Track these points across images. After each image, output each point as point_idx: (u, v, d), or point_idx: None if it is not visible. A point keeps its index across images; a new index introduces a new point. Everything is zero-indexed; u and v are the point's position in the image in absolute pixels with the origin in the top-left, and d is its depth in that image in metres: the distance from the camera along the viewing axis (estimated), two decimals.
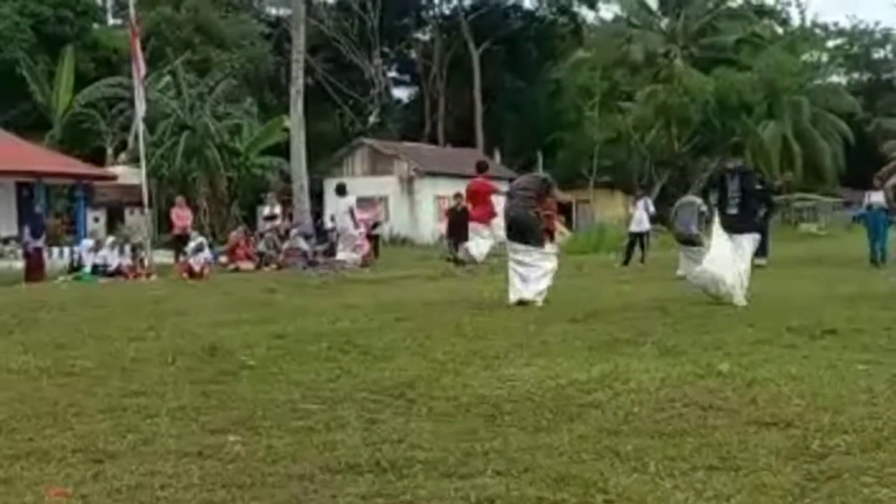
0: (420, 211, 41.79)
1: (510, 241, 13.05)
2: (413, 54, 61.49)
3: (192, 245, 23.26)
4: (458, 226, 23.28)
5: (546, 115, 54.15)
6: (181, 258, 23.88)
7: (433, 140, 53.52)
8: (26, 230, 24.02)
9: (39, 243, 23.26)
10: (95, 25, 45.52)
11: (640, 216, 23.19)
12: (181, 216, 26.25)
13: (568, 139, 52.20)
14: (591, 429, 5.47)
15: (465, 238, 23.38)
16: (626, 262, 22.10)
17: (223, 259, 25.82)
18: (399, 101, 63.21)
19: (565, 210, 43.13)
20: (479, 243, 19.66)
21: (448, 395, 6.52)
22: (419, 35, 61.53)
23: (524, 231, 12.81)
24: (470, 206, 20.48)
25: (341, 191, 22.95)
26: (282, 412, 6.10)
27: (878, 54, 70.90)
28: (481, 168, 21.36)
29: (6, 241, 27.85)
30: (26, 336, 10.24)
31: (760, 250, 20.40)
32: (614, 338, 8.97)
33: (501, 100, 55.19)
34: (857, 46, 70.48)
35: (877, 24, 71.31)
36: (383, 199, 39.19)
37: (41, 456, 5.12)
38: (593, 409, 5.97)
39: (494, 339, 9.18)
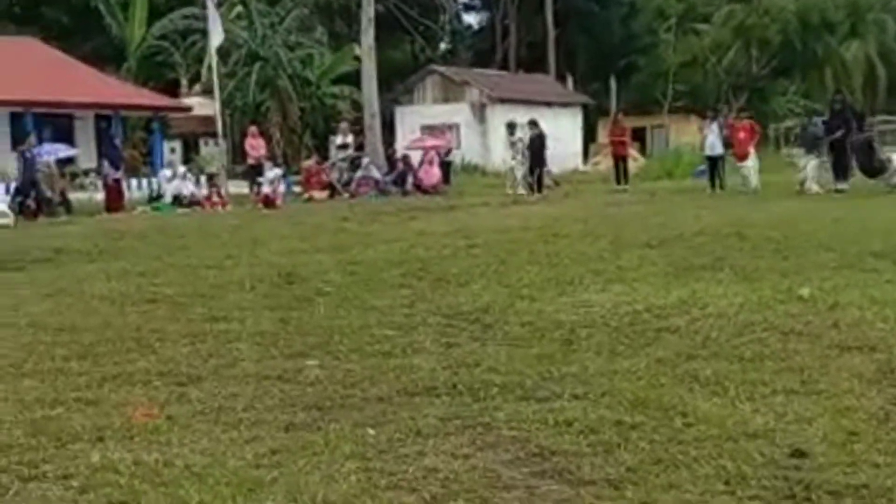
0: (492, 138, 41.48)
1: None
2: None
3: (269, 175, 23.45)
4: (536, 153, 23.15)
5: (620, 38, 53.03)
6: (256, 188, 24.12)
7: (504, 66, 52.83)
8: (105, 162, 24.42)
9: (118, 174, 23.63)
10: None
11: (713, 140, 22.69)
12: (255, 146, 26.41)
13: (642, 63, 51.18)
14: (668, 353, 5.44)
15: (544, 164, 23.38)
16: (713, 187, 21.75)
17: (297, 188, 26.01)
18: (469, 27, 62.37)
19: (640, 136, 42.66)
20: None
21: (523, 320, 6.52)
22: None
23: None
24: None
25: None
26: (358, 337, 6.17)
27: None
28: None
29: (86, 172, 28.36)
30: (109, 265, 10.47)
31: (841, 174, 20.13)
32: (691, 263, 8.87)
33: (574, 24, 54.11)
34: None
35: None
36: (454, 127, 38.97)
37: (127, 379, 5.26)
38: (671, 334, 5.93)
39: (569, 265, 9.14)
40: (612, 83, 45.09)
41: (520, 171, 23.27)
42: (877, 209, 14.54)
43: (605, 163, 32.83)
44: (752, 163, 20.87)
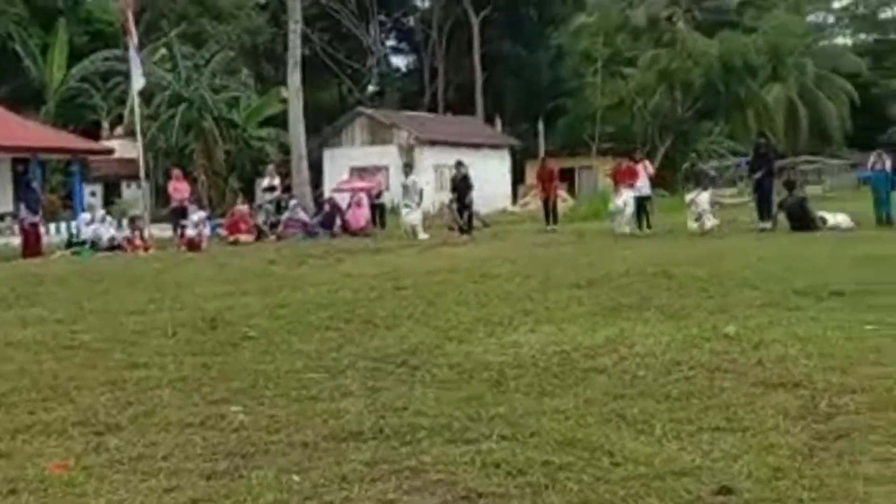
0: (421, 180, 41.58)
1: None
2: (411, 22, 61.06)
3: (193, 218, 23.16)
4: (463, 194, 23.25)
5: (547, 81, 53.80)
6: (180, 231, 23.79)
7: (433, 109, 53.20)
8: (22, 206, 23.89)
9: (36, 219, 23.09)
10: None
11: (640, 181, 23.01)
12: (179, 189, 26.08)
13: (570, 105, 51.88)
14: (596, 393, 5.43)
15: (469, 205, 23.43)
16: (640, 228, 22.01)
17: (222, 231, 25.72)
18: (398, 69, 62.82)
19: (568, 176, 43.12)
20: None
21: (451, 362, 6.48)
22: (417, 2, 61.06)
23: None
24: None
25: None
26: (284, 382, 6.06)
27: (885, 14, 70.22)
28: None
29: (2, 217, 27.75)
30: (25, 311, 10.18)
31: (766, 214, 20.55)
32: (618, 303, 8.93)
33: (502, 67, 54.79)
34: (864, 6, 69.88)
35: None
36: (383, 169, 39.00)
37: (42, 429, 5.09)
38: (598, 374, 5.93)
39: (497, 305, 9.14)
40: (540, 125, 45.58)
41: (414, 216, 22.94)
42: (800, 248, 14.82)
43: (533, 203, 33.13)
44: (620, 202, 21.19)
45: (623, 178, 21.61)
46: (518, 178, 47.12)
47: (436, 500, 3.86)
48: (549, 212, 25.00)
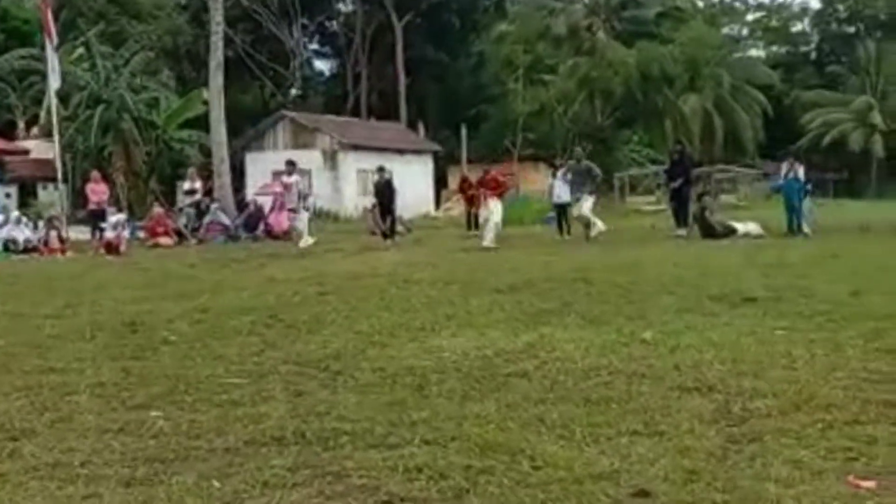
0: (343, 185, 41.51)
1: None
2: (335, 26, 60.89)
3: (112, 221, 22.78)
4: (386, 199, 23.23)
5: (470, 88, 54.14)
6: (98, 233, 23.38)
7: (356, 113, 53.13)
8: None
9: None
10: None
11: (561, 188, 23.30)
12: (97, 191, 25.62)
13: (492, 112, 52.28)
14: (517, 397, 5.49)
15: (392, 211, 23.38)
16: (561, 234, 22.25)
17: (142, 234, 25.35)
18: (321, 73, 62.62)
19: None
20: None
21: (374, 366, 6.49)
22: (341, 6, 60.90)
23: None
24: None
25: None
26: (205, 387, 6.01)
27: (796, 28, 72.29)
28: None
29: None
30: None
31: (682, 221, 20.98)
32: (539, 308, 9.03)
33: (425, 73, 54.99)
34: (776, 20, 71.77)
35: None
36: (306, 173, 38.81)
37: None
38: (520, 378, 6.00)
39: (420, 310, 9.16)
40: (463, 131, 45.83)
41: (301, 219, 21.95)
42: (714, 255, 15.15)
43: (456, 209, 33.28)
44: (486, 212, 20.21)
45: (489, 188, 20.63)
46: (441, 183, 47.28)
47: None
48: (472, 218, 25.21)
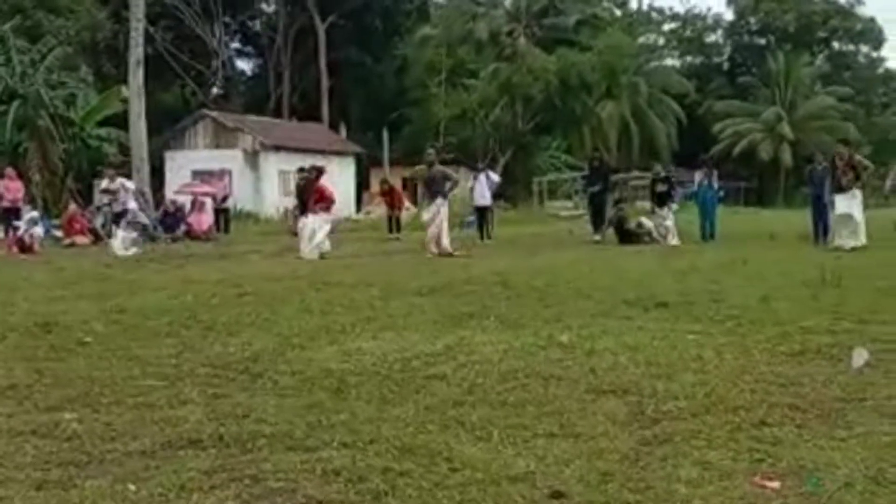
0: (264, 185, 41.20)
1: None
2: (257, 26, 60.38)
3: (26, 218, 22.29)
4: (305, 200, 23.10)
5: (392, 90, 54.16)
6: (11, 232, 22.85)
7: (278, 114, 52.74)
8: None
9: None
10: None
11: (482, 191, 23.49)
12: (11, 188, 25.07)
13: (414, 115, 52.38)
14: (436, 400, 5.54)
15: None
16: (481, 237, 22.41)
17: (58, 233, 24.85)
18: (243, 73, 62.01)
19: (413, 185, 43.43)
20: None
21: (293, 369, 6.49)
22: (263, 6, 60.41)
23: None
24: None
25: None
26: (121, 389, 5.95)
27: (710, 38, 73.86)
28: None
29: None
30: None
31: (599, 226, 21.33)
32: (458, 311, 9.11)
33: (348, 74, 54.82)
34: (691, 30, 73.24)
35: (709, 9, 74.57)
36: (227, 173, 38.44)
37: None
38: (438, 381, 6.05)
39: (340, 313, 9.18)
40: (385, 134, 45.84)
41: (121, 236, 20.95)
42: (629, 260, 15.44)
43: (377, 211, 33.28)
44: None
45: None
46: (363, 185, 47.20)
47: None
48: (393, 221, 25.27)
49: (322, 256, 17.46)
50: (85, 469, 4.37)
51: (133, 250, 19.59)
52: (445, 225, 18.12)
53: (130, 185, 22.22)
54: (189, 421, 5.14)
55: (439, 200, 18.08)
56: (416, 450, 4.53)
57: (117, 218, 21.01)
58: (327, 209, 18.51)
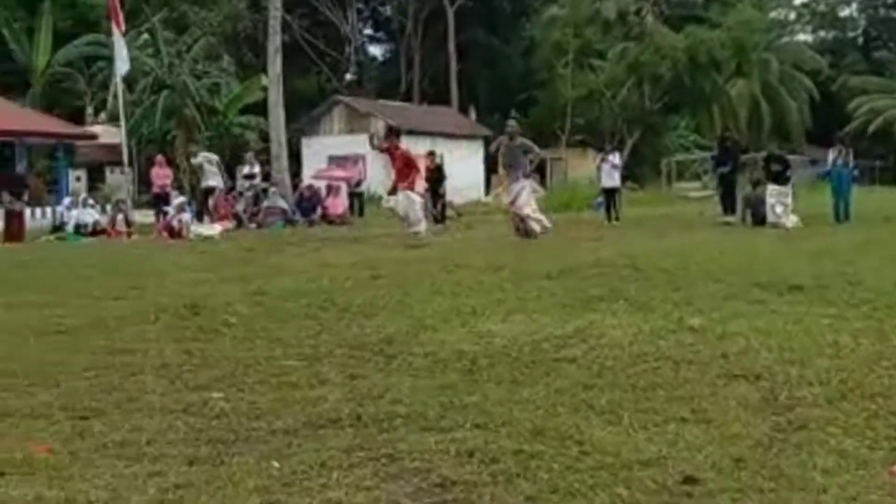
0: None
1: None
2: (388, 11, 60.97)
3: (174, 204, 23.27)
4: (435, 183, 23.41)
5: (520, 72, 53.93)
6: (161, 217, 23.88)
7: (408, 98, 53.22)
8: (5, 190, 23.95)
9: (19, 204, 23.17)
10: None
11: (610, 172, 23.28)
12: (161, 175, 26.17)
13: (541, 97, 52.08)
14: (566, 383, 5.59)
15: (442, 195, 23.57)
16: (609, 219, 22.26)
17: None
18: (375, 58, 62.73)
19: (540, 168, 43.32)
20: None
21: (426, 350, 6.62)
22: None
23: None
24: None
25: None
26: (264, 369, 6.20)
27: (844, 12, 70.96)
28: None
29: None
30: (10, 295, 10.27)
31: (729, 207, 20.86)
32: (588, 294, 9.09)
33: (476, 57, 54.85)
34: (824, 4, 70.53)
35: None
36: (360, 158, 39.07)
37: (29, 412, 5.21)
38: (568, 364, 6.10)
39: (470, 295, 9.27)
40: (513, 116, 45.70)
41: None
42: (760, 242, 15.09)
43: (506, 195, 33.27)
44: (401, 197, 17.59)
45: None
46: (492, 168, 47.22)
47: (411, 487, 3.99)
48: None
49: (416, 236, 16.80)
50: (232, 446, 4.58)
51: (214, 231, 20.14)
52: (532, 202, 17.27)
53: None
54: (328, 401, 5.33)
55: (521, 180, 16.89)
56: (546, 432, 4.60)
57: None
58: (411, 186, 17.32)
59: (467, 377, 5.83)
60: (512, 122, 18.12)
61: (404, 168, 17.38)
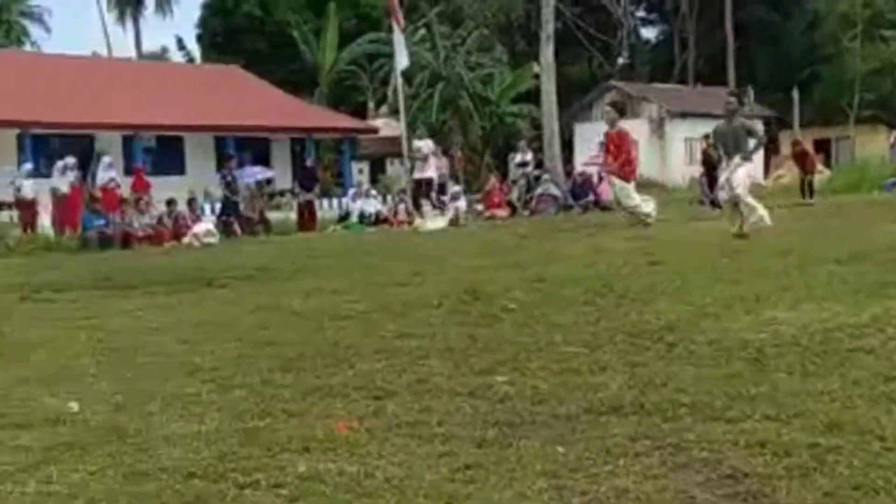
0: (670, 154, 40.92)
1: None
2: None
3: (451, 193, 24.01)
4: (711, 167, 22.73)
5: (802, 48, 51.37)
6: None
7: (682, 80, 52.05)
8: (297, 183, 25.66)
9: (311, 195, 24.71)
10: None
11: None
12: (438, 166, 27.04)
13: (826, 73, 49.41)
14: (863, 374, 5.30)
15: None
16: None
17: (479, 207, 26.42)
18: (647, 41, 61.77)
19: (824, 147, 41.18)
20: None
21: (709, 338, 6.46)
22: None
23: None
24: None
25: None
26: (545, 354, 6.27)
27: None
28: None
29: (282, 193, 29.81)
30: (304, 282, 10.95)
31: None
32: (884, 280, 8.53)
33: (754, 35, 52.73)
34: None
35: None
36: (634, 143, 38.64)
37: (327, 392, 5.55)
38: (865, 354, 5.77)
39: (754, 281, 8.94)
40: (795, 94, 43.66)
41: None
42: None
43: (787, 176, 31.85)
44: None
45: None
46: (771, 149, 45.32)
47: (701, 477, 3.92)
48: (805, 185, 24.15)
49: (644, 223, 15.58)
50: (517, 430, 4.67)
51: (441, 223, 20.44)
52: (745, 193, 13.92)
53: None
54: (610, 388, 5.32)
55: (736, 160, 13.99)
56: (843, 425, 4.39)
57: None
58: (624, 174, 15.85)
59: (754, 367, 5.65)
60: (731, 100, 15.34)
61: (615, 151, 16.06)
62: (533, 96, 34.96)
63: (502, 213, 24.84)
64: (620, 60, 56.43)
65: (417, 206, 23.72)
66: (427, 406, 5.14)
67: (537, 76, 33.43)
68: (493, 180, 27.54)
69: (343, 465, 4.21)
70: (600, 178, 27.54)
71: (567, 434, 4.57)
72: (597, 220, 20.89)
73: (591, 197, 26.26)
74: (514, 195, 26.31)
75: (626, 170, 16.03)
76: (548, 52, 30.74)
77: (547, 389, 5.38)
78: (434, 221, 21.63)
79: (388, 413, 5.05)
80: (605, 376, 5.61)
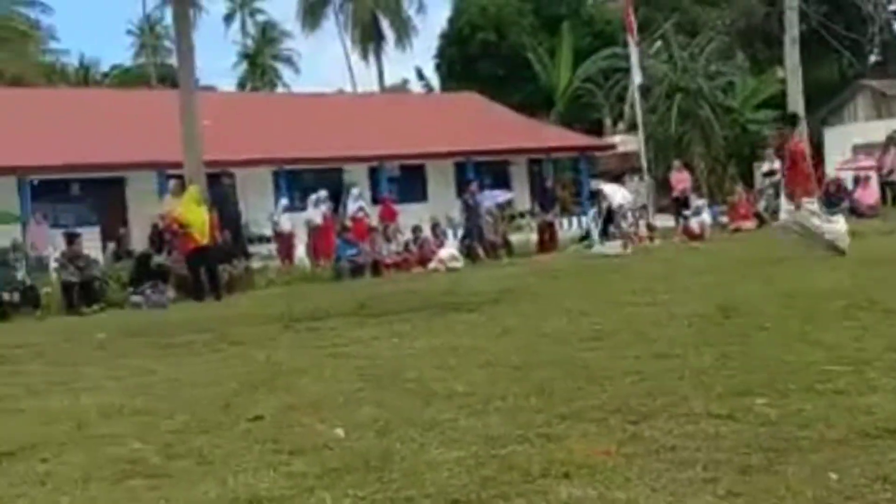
0: None
1: None
2: None
3: (693, 206, 23.54)
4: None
5: None
6: (682, 221, 24.20)
7: None
8: (537, 204, 25.86)
9: (549, 216, 24.83)
10: (589, 0, 47.29)
11: None
12: (680, 179, 26.58)
13: None
14: None
15: None
16: None
17: (724, 219, 25.70)
18: None
19: None
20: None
21: None
22: None
23: None
24: None
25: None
26: (805, 374, 5.97)
27: None
28: None
29: (522, 214, 30.15)
30: (549, 303, 10.99)
31: None
32: None
33: None
34: None
35: None
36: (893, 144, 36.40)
37: (581, 415, 5.49)
38: None
39: None
40: None
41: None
42: None
43: None
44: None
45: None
46: None
47: None
48: None
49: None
50: (784, 455, 4.45)
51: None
52: None
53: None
54: (882, 409, 5.00)
55: None
56: None
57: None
58: (797, 191, 13.67)
59: None
60: None
61: (790, 169, 13.96)
62: (778, 101, 33.68)
63: (749, 224, 24.02)
64: (872, 58, 53.38)
65: (605, 233, 23.38)
66: (685, 430, 4.99)
67: (782, 81, 32.24)
68: (738, 191, 26.68)
69: (605, 492, 4.15)
70: (856, 183, 26.24)
71: (838, 459, 4.32)
72: (855, 227, 19.82)
73: (846, 203, 24.99)
74: (762, 206, 25.36)
75: (789, 188, 14.07)
76: (793, 55, 29.65)
77: (812, 412, 5.12)
78: (610, 248, 21.12)
79: (646, 437, 4.94)
80: (876, 397, 5.28)
